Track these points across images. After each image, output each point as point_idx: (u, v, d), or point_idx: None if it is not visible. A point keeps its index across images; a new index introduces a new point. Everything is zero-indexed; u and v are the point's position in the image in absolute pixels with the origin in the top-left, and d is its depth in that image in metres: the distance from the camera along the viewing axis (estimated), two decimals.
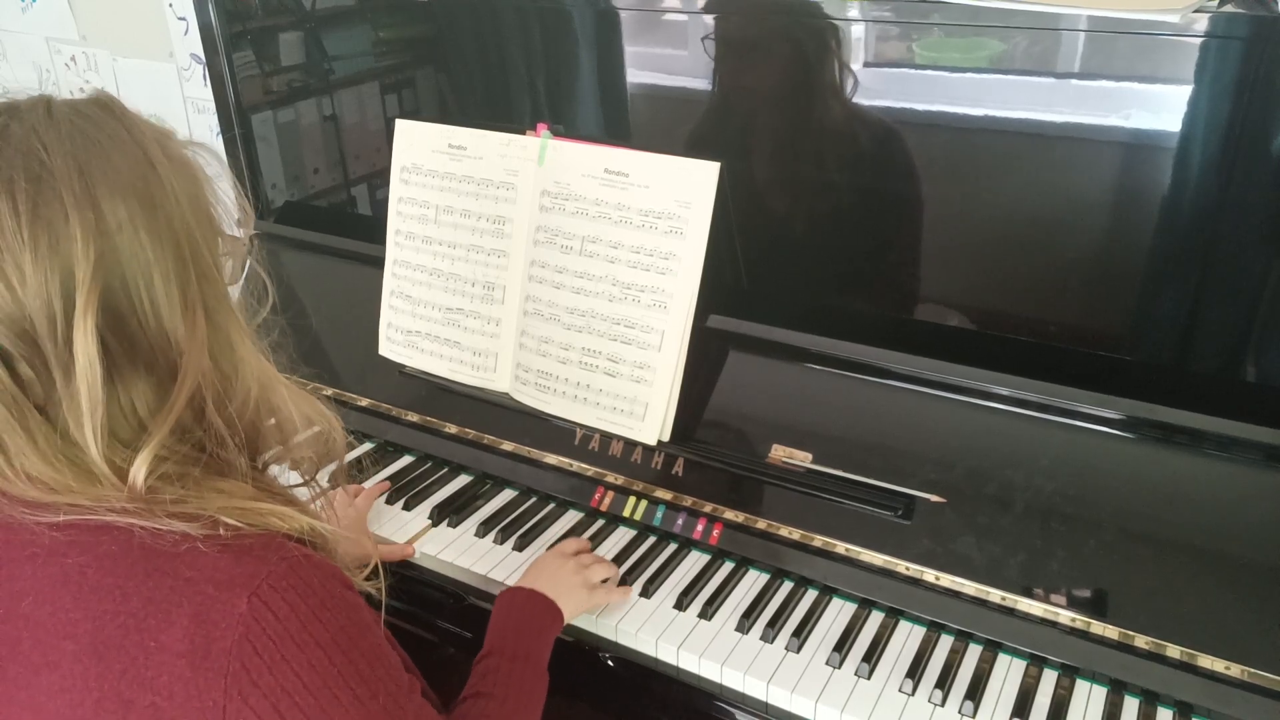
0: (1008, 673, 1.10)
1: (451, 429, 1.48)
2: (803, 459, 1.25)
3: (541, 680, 1.04)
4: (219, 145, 1.83)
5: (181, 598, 0.72)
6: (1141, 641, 1.06)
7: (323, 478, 0.93)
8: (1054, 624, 1.10)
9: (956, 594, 1.14)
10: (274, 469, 0.87)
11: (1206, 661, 1.03)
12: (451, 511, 1.37)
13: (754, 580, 1.24)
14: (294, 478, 0.91)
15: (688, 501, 1.30)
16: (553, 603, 1.10)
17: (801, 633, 1.14)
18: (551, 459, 1.39)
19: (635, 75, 1.36)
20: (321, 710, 0.74)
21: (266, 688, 0.72)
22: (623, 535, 1.32)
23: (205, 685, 0.71)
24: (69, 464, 0.73)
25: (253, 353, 0.82)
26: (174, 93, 2.05)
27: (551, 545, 1.29)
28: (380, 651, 0.80)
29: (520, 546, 1.30)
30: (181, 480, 0.75)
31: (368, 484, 1.42)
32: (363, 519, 1.33)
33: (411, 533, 1.34)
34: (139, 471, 0.73)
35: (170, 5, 1.94)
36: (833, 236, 1.31)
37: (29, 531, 0.74)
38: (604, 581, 1.20)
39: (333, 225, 1.68)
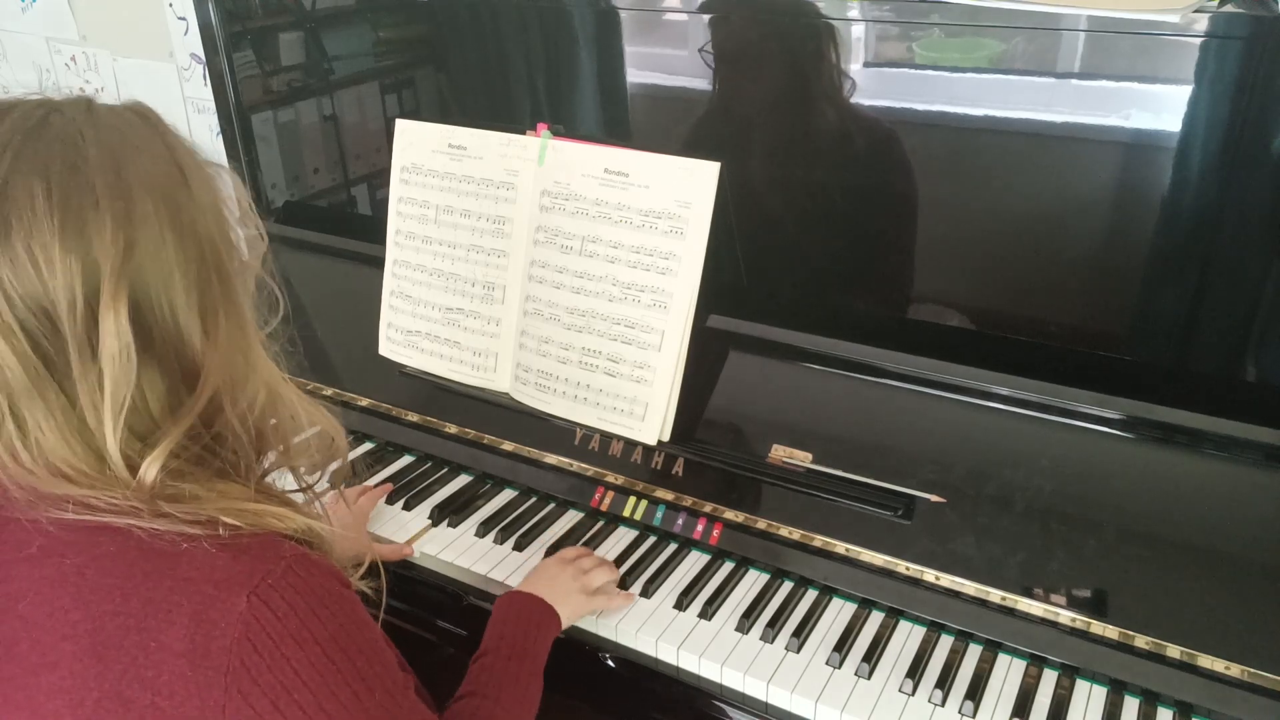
0: (1008, 673, 1.10)
1: (451, 429, 1.48)
2: (803, 459, 1.25)
3: (536, 681, 1.04)
4: (219, 145, 1.83)
5: (181, 597, 0.72)
6: (1141, 641, 1.06)
7: (323, 482, 0.94)
8: (1054, 624, 1.10)
9: (956, 594, 1.14)
10: (273, 475, 0.88)
11: (1206, 661, 1.03)
12: (451, 511, 1.37)
13: (754, 580, 1.24)
14: (292, 483, 0.92)
15: (688, 501, 1.30)
16: (550, 607, 1.11)
17: (801, 633, 1.14)
18: (551, 459, 1.39)
19: (635, 75, 1.36)
20: (320, 706, 0.74)
21: (266, 685, 0.72)
22: (623, 535, 1.32)
23: (205, 683, 0.71)
24: (84, 445, 0.73)
25: (264, 358, 0.83)
26: (174, 93, 2.05)
27: (551, 546, 1.29)
28: (377, 649, 0.81)
29: (520, 546, 1.30)
30: (186, 479, 0.76)
31: (371, 482, 1.42)
32: (363, 519, 1.33)
33: (411, 532, 1.34)
34: (151, 467, 0.73)
35: (170, 5, 1.94)
36: (833, 237, 1.31)
37: (25, 532, 0.74)
38: (607, 583, 1.20)
39: (333, 225, 1.68)
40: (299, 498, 0.89)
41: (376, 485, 1.42)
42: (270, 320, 0.89)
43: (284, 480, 0.90)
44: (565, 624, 1.13)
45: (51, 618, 0.74)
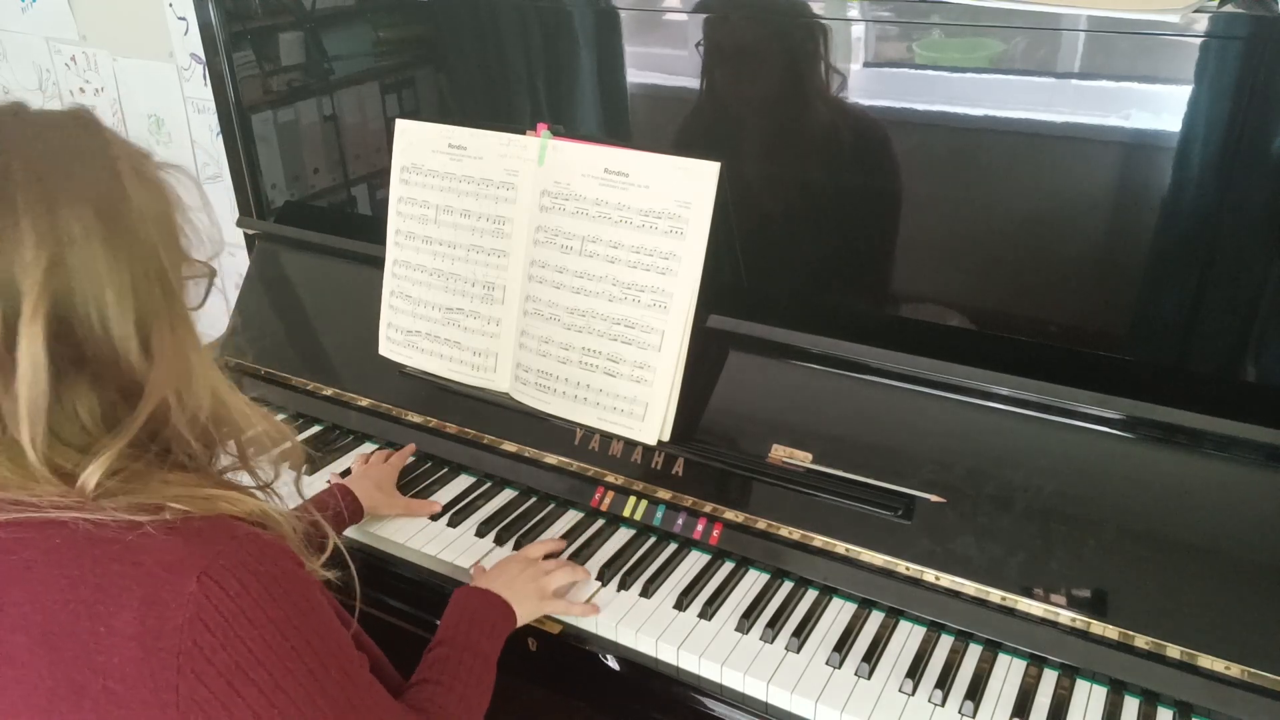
0: (1008, 673, 1.10)
1: (452, 429, 1.48)
2: (803, 459, 1.25)
3: (489, 673, 1.06)
4: (219, 145, 1.83)
5: (131, 582, 0.72)
6: (1141, 641, 1.06)
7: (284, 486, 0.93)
8: (1054, 624, 1.10)
9: (956, 594, 1.14)
10: (228, 475, 0.87)
11: (1206, 661, 1.03)
12: (452, 511, 1.37)
13: (754, 580, 1.24)
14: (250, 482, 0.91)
15: (688, 501, 1.30)
16: (507, 605, 1.12)
17: (801, 633, 1.14)
18: (551, 459, 1.39)
19: (635, 75, 1.36)
20: (276, 684, 0.74)
21: (220, 664, 0.72)
22: (623, 535, 1.32)
23: (158, 665, 0.71)
24: (10, 460, 0.72)
25: (209, 365, 0.82)
26: (174, 93, 2.05)
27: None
28: (331, 627, 0.81)
29: (520, 547, 1.30)
30: (131, 479, 0.75)
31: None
32: (392, 476, 1.40)
33: (411, 532, 1.34)
34: (90, 478, 0.73)
35: (170, 5, 1.94)
36: (833, 237, 1.31)
37: None
38: (567, 586, 1.21)
39: (333, 225, 1.68)
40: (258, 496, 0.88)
41: (403, 449, 1.47)
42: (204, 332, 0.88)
43: (241, 480, 0.90)
44: (521, 622, 1.14)
45: (3, 612, 0.74)
